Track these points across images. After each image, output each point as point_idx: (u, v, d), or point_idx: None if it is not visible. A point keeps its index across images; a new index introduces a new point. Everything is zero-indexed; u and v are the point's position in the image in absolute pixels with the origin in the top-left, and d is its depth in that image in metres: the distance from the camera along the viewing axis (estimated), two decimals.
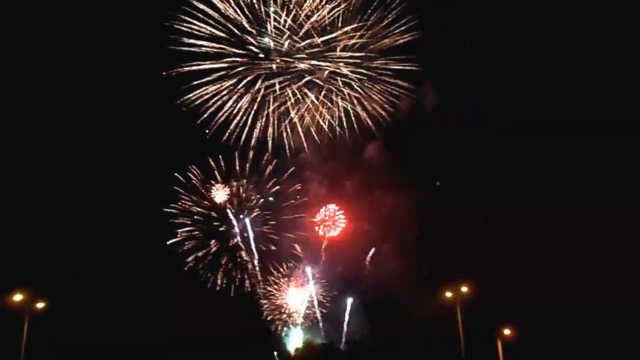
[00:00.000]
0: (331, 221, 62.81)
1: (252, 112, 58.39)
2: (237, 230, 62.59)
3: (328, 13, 55.28)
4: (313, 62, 56.94)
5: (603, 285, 54.12)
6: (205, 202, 62.33)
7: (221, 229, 62.80)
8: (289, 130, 59.19)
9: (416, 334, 58.54)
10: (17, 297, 46.52)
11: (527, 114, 57.74)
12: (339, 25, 55.83)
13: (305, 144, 59.86)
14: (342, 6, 55.23)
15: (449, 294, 53.50)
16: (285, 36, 55.81)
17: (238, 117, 58.29)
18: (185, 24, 54.96)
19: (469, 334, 52.77)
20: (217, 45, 56.15)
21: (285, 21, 55.21)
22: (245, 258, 62.40)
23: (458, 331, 52.60)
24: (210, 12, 55.21)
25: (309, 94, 58.33)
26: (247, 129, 58.61)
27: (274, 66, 57.19)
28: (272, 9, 54.96)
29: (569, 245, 56.49)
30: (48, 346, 51.37)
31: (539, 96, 58.05)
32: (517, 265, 56.78)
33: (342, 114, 58.62)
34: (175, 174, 61.22)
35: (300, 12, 54.99)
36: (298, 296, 62.68)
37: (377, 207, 62.80)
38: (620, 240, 55.58)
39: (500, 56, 57.70)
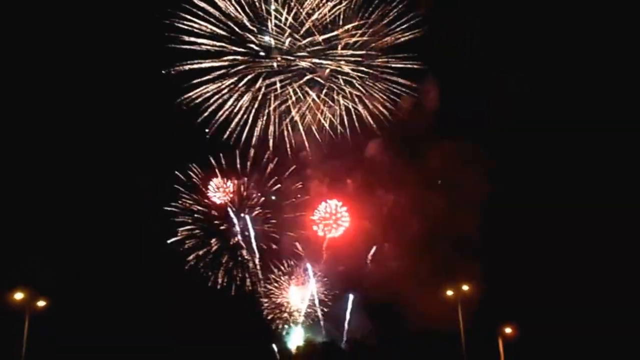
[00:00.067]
0: (332, 219, 62.55)
1: (253, 111, 58.43)
2: (238, 228, 62.70)
3: (329, 11, 55.27)
4: (314, 60, 56.88)
5: (604, 284, 54.24)
6: (206, 201, 62.48)
7: (222, 227, 62.90)
8: (290, 128, 59.24)
9: (417, 333, 58.52)
10: (18, 296, 46.60)
11: (527, 114, 57.83)
12: (340, 23, 55.83)
13: (306, 143, 59.92)
14: (344, 4, 55.20)
15: (450, 293, 53.55)
16: (286, 34, 55.82)
17: (239, 116, 58.36)
18: (185, 22, 54.86)
19: (470, 333, 52.81)
20: (218, 44, 56.06)
21: (286, 19, 55.20)
22: (246, 257, 62.46)
23: (459, 330, 52.61)
24: (211, 10, 55.15)
25: (310, 92, 58.32)
26: (247, 127, 58.68)
27: (275, 64, 57.16)
28: (273, 7, 54.91)
29: (569, 245, 56.67)
30: (48, 344, 51.34)
31: (539, 96, 58.18)
32: (518, 265, 56.84)
33: (344, 113, 58.73)
34: (176, 172, 61.42)
35: (301, 10, 54.97)
36: (299, 295, 62.65)
37: (378, 205, 62.89)
38: (620, 240, 55.73)
39: (500, 56, 57.77)
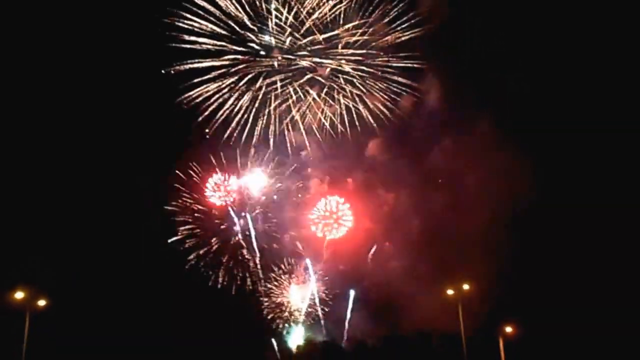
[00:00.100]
0: (333, 218, 62.58)
1: (254, 110, 58.49)
2: (238, 228, 62.62)
3: (330, 10, 55.44)
4: (315, 59, 57.02)
5: (604, 284, 54.16)
6: (206, 200, 62.32)
7: (222, 226, 62.86)
8: (290, 128, 59.31)
9: (418, 332, 58.47)
10: (19, 295, 46.48)
11: (527, 114, 57.84)
12: (341, 22, 56.02)
13: (307, 142, 60.06)
14: (344, 3, 55.42)
15: (450, 292, 53.48)
16: (287, 33, 56.02)
17: (239, 115, 58.40)
18: (186, 21, 55.11)
19: (471, 332, 52.72)
20: (218, 43, 56.26)
21: (287, 18, 55.43)
22: (246, 256, 62.34)
23: (459, 329, 52.54)
24: (211, 9, 55.39)
25: (311, 91, 58.49)
26: (248, 126, 58.71)
27: (276, 64, 57.30)
28: (273, 6, 55.09)
29: (570, 244, 56.64)
30: (49, 343, 51.23)
31: (539, 96, 58.21)
32: (518, 264, 56.70)
33: (344, 112, 58.78)
34: (177, 172, 61.29)
35: (301, 9, 55.14)
36: (300, 294, 62.57)
37: (379, 204, 62.91)
38: (621, 240, 55.68)
39: (500, 56, 57.81)
